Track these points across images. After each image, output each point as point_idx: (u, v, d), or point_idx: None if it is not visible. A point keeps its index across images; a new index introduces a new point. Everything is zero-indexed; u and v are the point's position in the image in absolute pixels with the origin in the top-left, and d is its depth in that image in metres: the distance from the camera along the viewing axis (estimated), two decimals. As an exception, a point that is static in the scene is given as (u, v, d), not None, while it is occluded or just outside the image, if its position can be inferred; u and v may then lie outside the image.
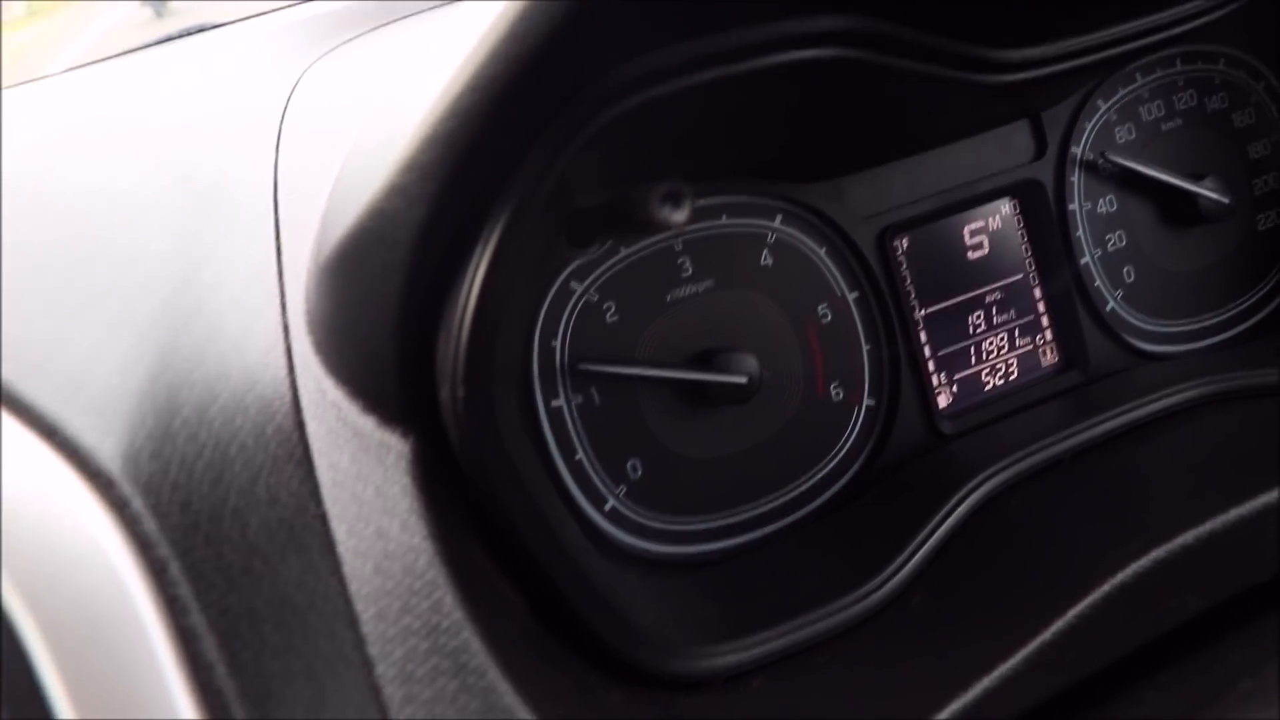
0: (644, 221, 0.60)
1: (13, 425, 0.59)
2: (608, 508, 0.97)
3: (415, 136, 0.57)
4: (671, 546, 0.99)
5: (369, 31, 1.10)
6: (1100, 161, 1.13)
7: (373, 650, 0.62)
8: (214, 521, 0.61)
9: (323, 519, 0.64)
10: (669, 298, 0.98)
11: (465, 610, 0.64)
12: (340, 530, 0.64)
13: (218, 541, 0.61)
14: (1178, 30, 0.94)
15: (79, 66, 1.08)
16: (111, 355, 0.64)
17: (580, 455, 0.95)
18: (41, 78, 1.04)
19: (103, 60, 1.10)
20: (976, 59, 0.81)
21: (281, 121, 0.92)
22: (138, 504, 0.59)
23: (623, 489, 0.97)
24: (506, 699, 0.63)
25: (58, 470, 0.59)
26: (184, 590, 0.59)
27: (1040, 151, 1.12)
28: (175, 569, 0.59)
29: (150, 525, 0.59)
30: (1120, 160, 1.14)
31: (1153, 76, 1.17)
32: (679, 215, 0.59)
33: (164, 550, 0.59)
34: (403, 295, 0.62)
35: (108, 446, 0.60)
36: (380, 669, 0.62)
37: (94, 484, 0.59)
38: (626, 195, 0.62)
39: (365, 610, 0.63)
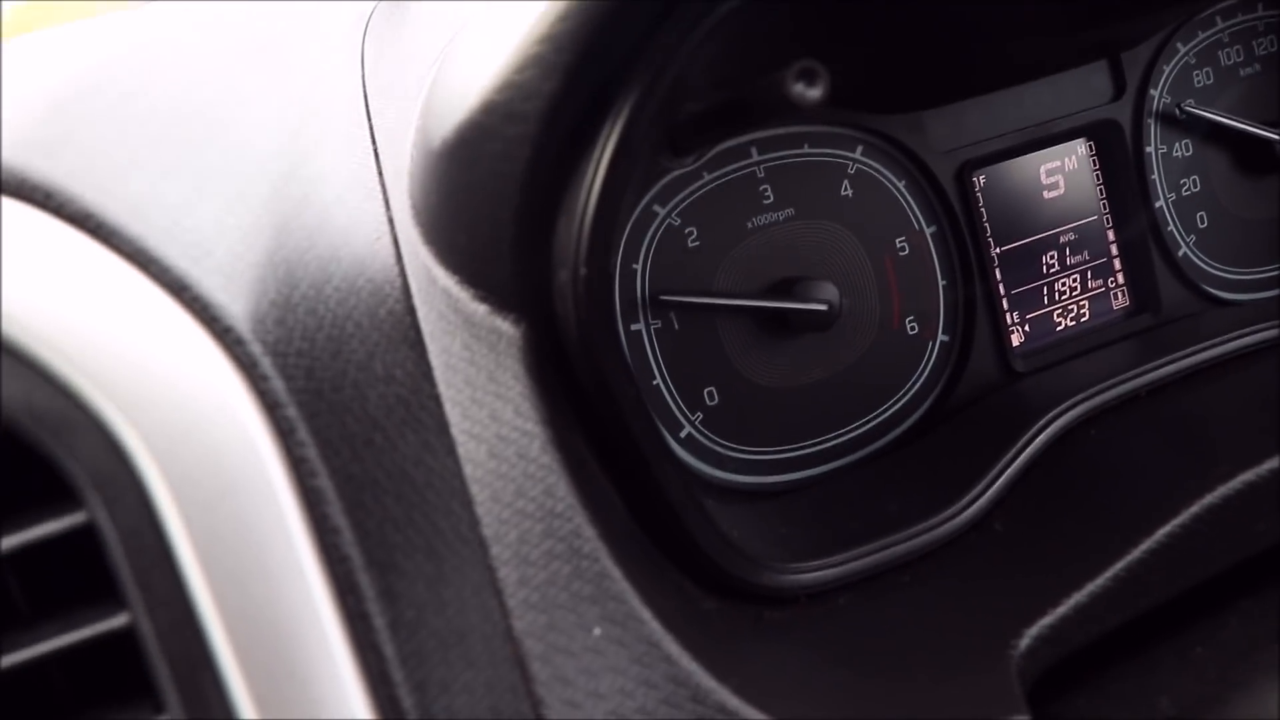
0: (775, 102, 0.60)
1: (143, 282, 0.59)
2: (683, 434, 0.97)
3: (552, 8, 0.56)
4: (747, 475, 0.99)
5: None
6: (1177, 112, 1.13)
7: (487, 531, 0.62)
8: (336, 390, 0.61)
9: (437, 400, 0.64)
10: (750, 224, 0.98)
11: (577, 496, 0.64)
12: (454, 413, 0.64)
13: (340, 410, 0.61)
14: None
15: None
16: (233, 226, 0.64)
17: (657, 380, 0.95)
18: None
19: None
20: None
21: (363, 40, 0.92)
22: (266, 364, 0.59)
23: (699, 416, 0.97)
24: (619, 585, 0.63)
25: (186, 327, 0.59)
26: (311, 452, 0.59)
27: (1119, 92, 1.11)
28: (303, 430, 0.59)
29: (278, 385, 0.59)
30: (1197, 110, 1.13)
31: (1233, 20, 1.16)
32: (814, 92, 0.58)
33: (291, 412, 0.59)
34: (526, 173, 0.61)
35: (235, 308, 0.60)
36: (495, 550, 0.62)
37: (222, 342, 0.59)
38: (754, 83, 0.62)
39: (480, 492, 0.63)
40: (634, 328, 0.94)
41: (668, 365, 0.96)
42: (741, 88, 0.65)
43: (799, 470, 1.01)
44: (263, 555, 0.56)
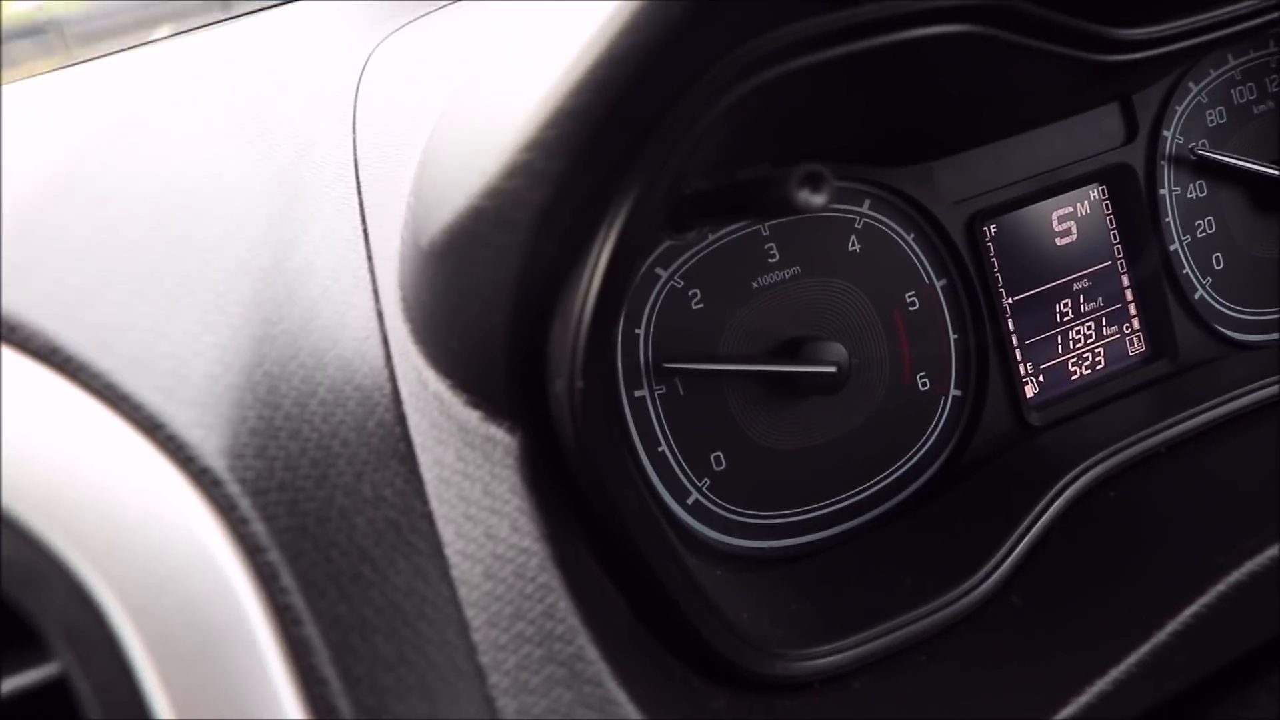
0: (778, 203, 0.57)
1: (114, 420, 0.56)
2: (691, 501, 0.94)
3: (541, 112, 0.53)
4: (756, 541, 0.97)
5: (438, 9, 1.06)
6: (1191, 156, 1.10)
7: (484, 659, 0.59)
8: (321, 524, 0.58)
9: (429, 519, 0.61)
10: (755, 284, 0.95)
11: (580, 615, 0.61)
12: (448, 531, 0.61)
13: (326, 545, 0.58)
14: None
15: (144, 44, 1.05)
16: (210, 345, 0.61)
17: (663, 447, 0.93)
18: (108, 54, 1.01)
19: (170, 36, 1.07)
20: (1096, 37, 0.77)
21: (355, 100, 0.89)
22: (245, 506, 0.56)
23: (706, 482, 0.95)
24: (624, 709, 0.60)
25: (160, 468, 0.55)
26: (296, 599, 0.55)
27: (1131, 135, 1.08)
28: (286, 575, 0.56)
29: (259, 529, 0.56)
30: (1209, 154, 1.10)
31: (1245, 59, 1.13)
32: (819, 198, 0.55)
33: (274, 555, 0.56)
34: (518, 282, 0.58)
35: (212, 443, 0.56)
36: (493, 679, 0.59)
37: (199, 483, 0.55)
38: (757, 176, 0.59)
39: (476, 617, 0.60)
40: (638, 394, 0.92)
41: (673, 431, 0.93)
42: (746, 174, 0.62)
43: (810, 533, 0.98)
44: (246, 710, 0.53)
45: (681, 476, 0.94)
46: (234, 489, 0.56)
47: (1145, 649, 0.74)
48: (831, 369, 0.93)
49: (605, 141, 0.55)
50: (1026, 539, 0.88)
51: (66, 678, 0.52)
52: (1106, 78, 0.88)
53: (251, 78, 0.94)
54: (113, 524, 0.53)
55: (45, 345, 0.57)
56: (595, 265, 0.59)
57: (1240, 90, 1.13)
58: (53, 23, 1.36)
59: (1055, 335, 1.07)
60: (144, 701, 0.52)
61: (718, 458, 0.95)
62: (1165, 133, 1.09)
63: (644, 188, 0.58)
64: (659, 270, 0.92)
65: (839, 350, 0.94)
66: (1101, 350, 1.09)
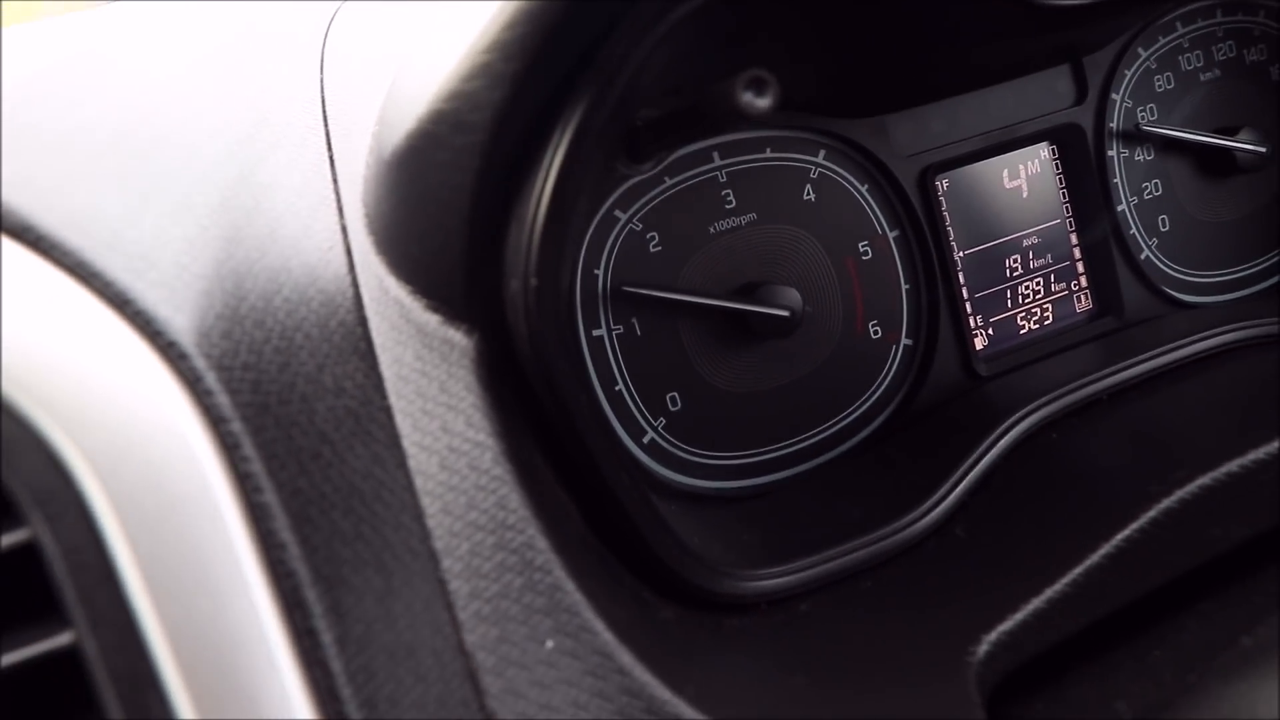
0: (726, 111, 0.59)
1: (85, 296, 0.58)
2: (646, 440, 0.97)
3: (500, 15, 0.56)
4: (711, 481, 0.99)
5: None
6: (1135, 130, 1.13)
7: (438, 544, 0.62)
8: (283, 404, 0.61)
9: (387, 412, 0.64)
10: (712, 229, 0.98)
11: (530, 508, 0.63)
12: (405, 424, 0.64)
13: (287, 424, 0.60)
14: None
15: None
16: (178, 237, 0.63)
17: (620, 386, 0.95)
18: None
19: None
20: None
21: (324, 41, 0.92)
22: (210, 379, 0.58)
23: (662, 421, 0.97)
24: (572, 597, 0.63)
25: (129, 342, 0.58)
26: (257, 468, 0.58)
27: (1081, 96, 1.12)
28: (248, 446, 0.58)
29: (223, 400, 0.58)
30: (1154, 129, 1.14)
31: (1193, 26, 1.17)
32: (763, 101, 0.58)
33: (236, 426, 0.58)
34: (475, 183, 0.61)
35: (179, 321, 0.59)
36: (446, 563, 0.62)
37: (166, 356, 0.58)
38: (705, 91, 0.62)
39: (431, 504, 0.62)
40: (596, 333, 0.94)
41: (630, 371, 0.95)
42: (695, 94, 0.64)
43: (762, 475, 1.01)
44: (207, 572, 0.55)
45: (638, 415, 0.96)
46: (199, 363, 0.58)
47: (1079, 570, 0.77)
48: (785, 313, 0.96)
49: (559, 45, 0.58)
50: (970, 475, 0.90)
51: (36, 543, 0.54)
52: (1052, 26, 0.91)
53: (223, 18, 0.97)
54: (82, 394, 0.55)
55: (19, 224, 0.59)
56: (549, 168, 0.62)
57: (1188, 58, 1.17)
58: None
59: (1005, 290, 1.10)
60: (110, 561, 0.54)
61: (673, 398, 0.97)
62: (1114, 96, 1.13)
63: (595, 93, 0.61)
64: (618, 213, 0.94)
65: (793, 295, 0.97)
66: (1050, 306, 1.13)
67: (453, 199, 0.62)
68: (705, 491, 0.99)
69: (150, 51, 0.83)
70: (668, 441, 0.97)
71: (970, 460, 0.91)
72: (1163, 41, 1.15)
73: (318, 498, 0.59)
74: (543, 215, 0.62)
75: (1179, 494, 0.80)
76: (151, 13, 0.90)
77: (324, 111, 0.82)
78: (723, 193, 0.98)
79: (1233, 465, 0.81)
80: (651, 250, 0.96)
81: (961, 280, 1.08)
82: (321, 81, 0.86)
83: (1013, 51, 1.01)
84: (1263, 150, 1.13)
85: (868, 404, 1.05)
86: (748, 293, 0.97)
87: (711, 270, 0.98)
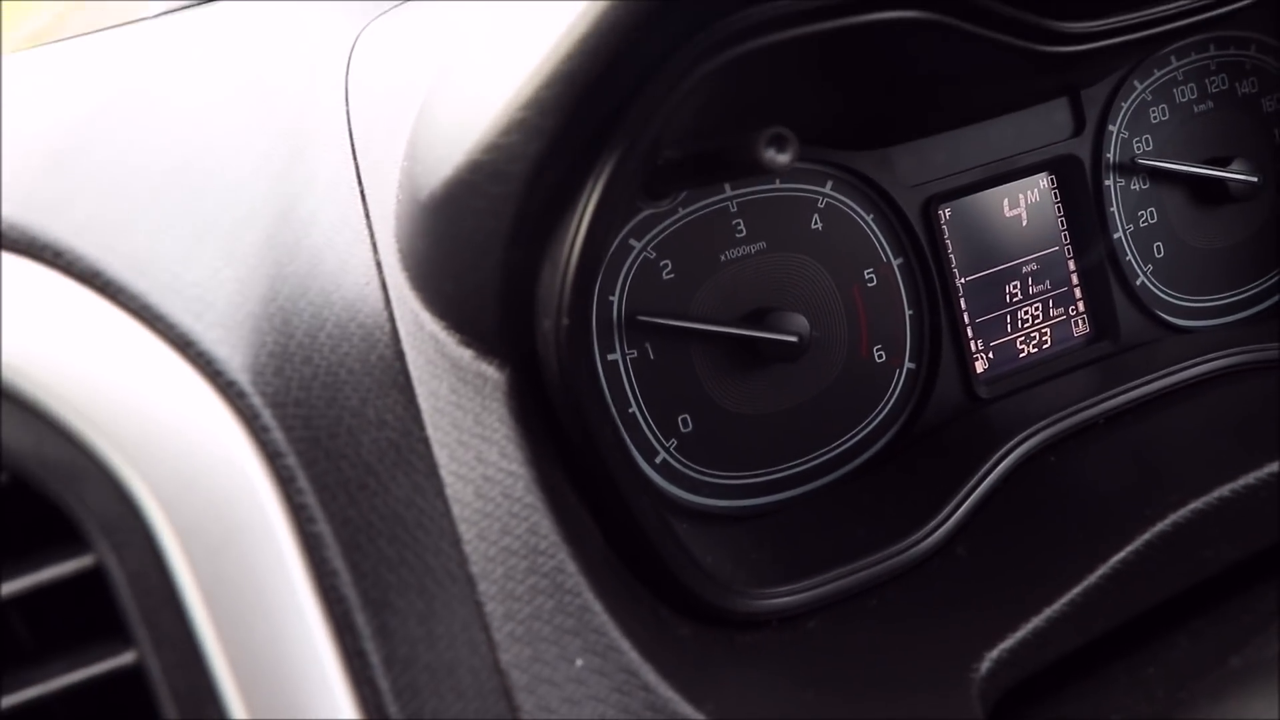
0: (747, 164, 0.63)
1: (148, 338, 0.62)
2: (658, 460, 1.00)
3: (538, 74, 0.59)
4: (720, 500, 1.03)
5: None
6: (1131, 163, 1.17)
7: (475, 568, 0.66)
8: (332, 438, 0.64)
9: (426, 443, 0.67)
10: (723, 257, 1.02)
11: (560, 533, 0.67)
12: (442, 455, 0.68)
13: (336, 457, 0.64)
14: (1217, 11, 0.97)
15: (137, 21, 1.10)
16: (230, 278, 0.67)
17: (633, 408, 0.99)
18: (105, 29, 1.07)
19: (163, 15, 1.12)
20: (1040, 29, 0.84)
21: (347, 73, 0.94)
22: (266, 416, 0.62)
23: (673, 443, 1.00)
24: (600, 618, 0.66)
25: (190, 380, 0.61)
26: (310, 499, 0.62)
27: (1079, 128, 1.15)
28: (302, 479, 0.62)
29: (279, 436, 0.62)
30: (1149, 162, 1.18)
31: (1187, 60, 1.20)
32: (784, 158, 0.62)
33: (291, 460, 0.62)
34: (511, 229, 0.64)
35: (236, 360, 0.63)
36: (482, 586, 0.65)
37: (225, 395, 0.61)
38: (727, 140, 0.65)
39: (467, 531, 0.66)
40: (610, 358, 0.98)
41: (644, 393, 0.99)
42: (716, 143, 0.68)
43: (770, 494, 1.04)
44: (265, 597, 0.59)
45: (650, 436, 1.00)
46: (256, 400, 0.62)
47: (1077, 590, 0.80)
48: (793, 338, 1.00)
49: (594, 102, 0.61)
50: (972, 497, 0.94)
51: (102, 567, 0.58)
52: (1053, 69, 0.95)
53: (246, 48, 1.00)
54: (148, 429, 0.59)
55: (88, 269, 0.63)
56: (582, 215, 0.66)
57: (1182, 90, 1.20)
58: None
59: (1005, 315, 1.14)
60: (173, 586, 0.58)
61: (685, 420, 1.01)
62: (1111, 127, 1.16)
63: (628, 145, 0.65)
64: (633, 241, 0.98)
65: (800, 321, 1.01)
66: (1048, 330, 1.16)
67: (488, 242, 0.66)
68: (715, 510, 1.02)
69: (187, 85, 0.86)
70: (679, 461, 1.01)
71: (972, 482, 0.95)
72: (1158, 75, 1.19)
73: (365, 526, 0.63)
74: (576, 257, 0.66)
75: (1172, 517, 0.83)
76: (178, 48, 0.93)
77: (352, 144, 0.85)
78: (733, 222, 1.02)
79: (1224, 490, 0.84)
80: (664, 278, 0.99)
81: (963, 305, 1.12)
82: (348, 114, 0.89)
83: (1013, 90, 1.05)
84: (1254, 180, 1.17)
85: (872, 425, 1.08)
86: (757, 318, 1.01)
87: (722, 296, 1.01)
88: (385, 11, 1.11)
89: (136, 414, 0.59)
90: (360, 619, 0.61)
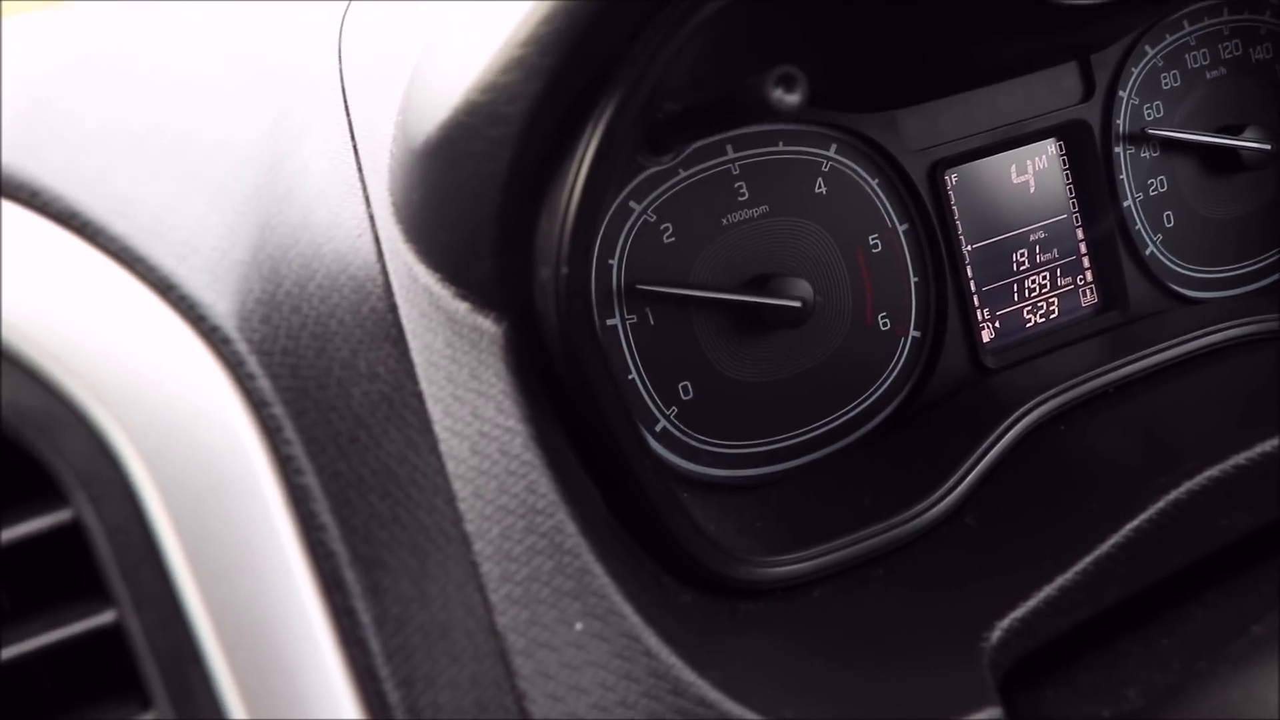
0: (754, 106, 0.61)
1: (129, 281, 0.59)
2: (659, 428, 0.98)
3: (535, 9, 0.57)
4: (722, 469, 1.00)
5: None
6: (1142, 133, 1.15)
7: (470, 527, 0.63)
8: (321, 389, 0.62)
9: (419, 398, 0.65)
10: (725, 221, 0.99)
11: (559, 492, 0.65)
12: (436, 410, 0.65)
13: (325, 409, 0.61)
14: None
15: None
16: (217, 224, 0.64)
17: (633, 375, 0.96)
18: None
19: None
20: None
21: (341, 31, 0.92)
22: (252, 363, 0.59)
23: (674, 410, 0.98)
24: (600, 580, 0.64)
25: (173, 325, 0.59)
26: (298, 450, 0.59)
27: (1088, 93, 1.13)
28: (289, 429, 0.59)
29: (264, 384, 0.59)
30: (1159, 132, 1.15)
31: (1200, 24, 1.18)
32: (793, 97, 0.59)
33: (278, 410, 0.59)
34: (508, 174, 0.62)
35: (221, 306, 0.60)
36: (478, 545, 0.63)
37: (209, 340, 0.59)
38: (735, 85, 0.63)
39: (463, 488, 0.64)
40: (610, 323, 0.95)
41: (643, 360, 0.97)
42: (721, 88, 0.66)
43: (773, 464, 1.02)
44: (249, 552, 0.57)
45: (650, 404, 0.97)
46: (242, 347, 0.59)
47: (1089, 559, 0.78)
48: (796, 304, 0.97)
49: (595, 42, 0.59)
50: (980, 466, 0.92)
51: (80, 522, 0.55)
52: (1063, 25, 0.92)
53: (241, 13, 0.98)
54: (128, 376, 0.56)
55: (65, 210, 0.60)
56: (582, 159, 0.63)
57: (1194, 56, 1.18)
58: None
59: (1012, 283, 1.12)
60: (154, 540, 0.55)
61: (685, 387, 0.98)
62: (1121, 93, 1.14)
63: (629, 88, 0.62)
64: (633, 204, 0.95)
65: (804, 286, 0.98)
66: (1056, 300, 1.14)
67: (485, 188, 0.63)
68: (717, 479, 1.00)
69: (175, 46, 0.84)
70: (679, 430, 0.99)
71: (979, 451, 0.92)
72: (1170, 39, 1.17)
73: (356, 481, 0.60)
74: (575, 205, 0.63)
75: (1186, 486, 0.81)
76: (174, 9, 0.91)
77: (345, 102, 0.83)
78: (735, 185, 1.00)
79: (1239, 458, 0.82)
80: (665, 241, 0.97)
81: (969, 274, 1.09)
82: (341, 72, 0.87)
83: (1022, 49, 1.02)
84: (1267, 148, 1.15)
85: (876, 394, 1.06)
86: (759, 284, 0.98)
87: (724, 261, 0.99)
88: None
89: (116, 361, 0.57)
90: (350, 575, 0.58)
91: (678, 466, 0.98)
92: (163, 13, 0.98)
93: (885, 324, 1.06)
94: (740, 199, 1.00)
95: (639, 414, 0.96)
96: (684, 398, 0.98)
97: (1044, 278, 1.13)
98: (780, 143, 1.01)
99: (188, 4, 1.03)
